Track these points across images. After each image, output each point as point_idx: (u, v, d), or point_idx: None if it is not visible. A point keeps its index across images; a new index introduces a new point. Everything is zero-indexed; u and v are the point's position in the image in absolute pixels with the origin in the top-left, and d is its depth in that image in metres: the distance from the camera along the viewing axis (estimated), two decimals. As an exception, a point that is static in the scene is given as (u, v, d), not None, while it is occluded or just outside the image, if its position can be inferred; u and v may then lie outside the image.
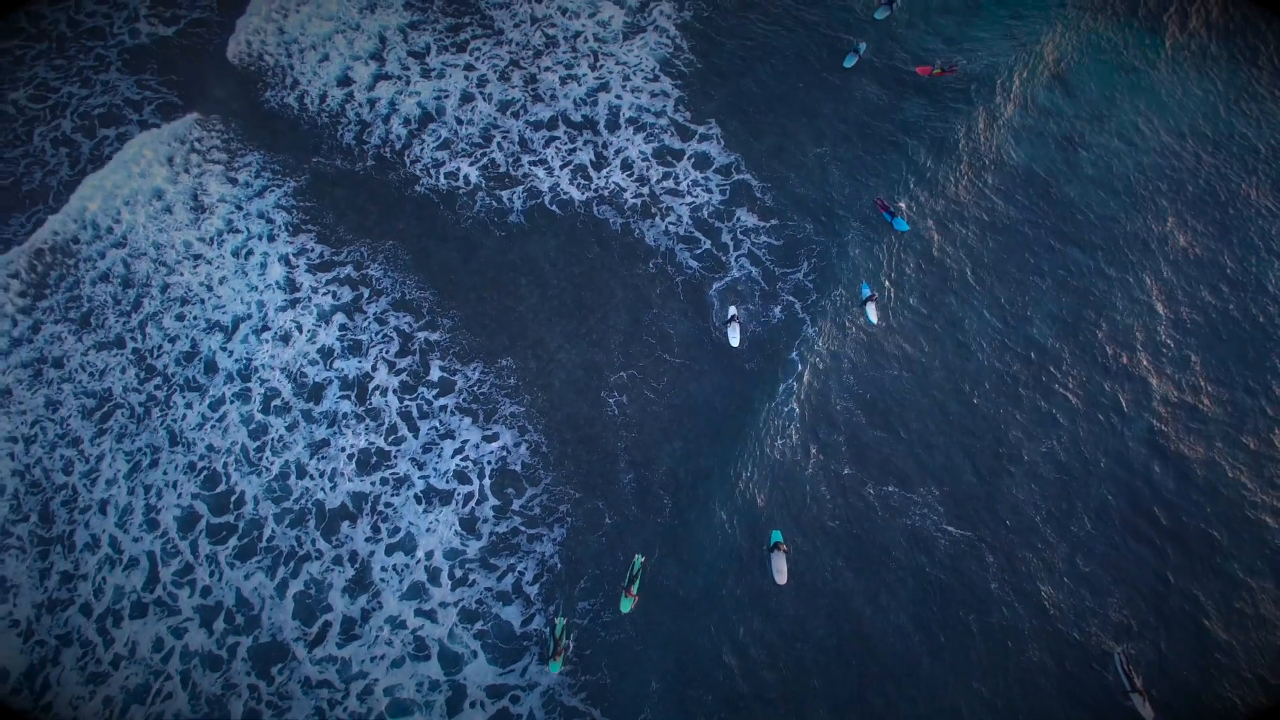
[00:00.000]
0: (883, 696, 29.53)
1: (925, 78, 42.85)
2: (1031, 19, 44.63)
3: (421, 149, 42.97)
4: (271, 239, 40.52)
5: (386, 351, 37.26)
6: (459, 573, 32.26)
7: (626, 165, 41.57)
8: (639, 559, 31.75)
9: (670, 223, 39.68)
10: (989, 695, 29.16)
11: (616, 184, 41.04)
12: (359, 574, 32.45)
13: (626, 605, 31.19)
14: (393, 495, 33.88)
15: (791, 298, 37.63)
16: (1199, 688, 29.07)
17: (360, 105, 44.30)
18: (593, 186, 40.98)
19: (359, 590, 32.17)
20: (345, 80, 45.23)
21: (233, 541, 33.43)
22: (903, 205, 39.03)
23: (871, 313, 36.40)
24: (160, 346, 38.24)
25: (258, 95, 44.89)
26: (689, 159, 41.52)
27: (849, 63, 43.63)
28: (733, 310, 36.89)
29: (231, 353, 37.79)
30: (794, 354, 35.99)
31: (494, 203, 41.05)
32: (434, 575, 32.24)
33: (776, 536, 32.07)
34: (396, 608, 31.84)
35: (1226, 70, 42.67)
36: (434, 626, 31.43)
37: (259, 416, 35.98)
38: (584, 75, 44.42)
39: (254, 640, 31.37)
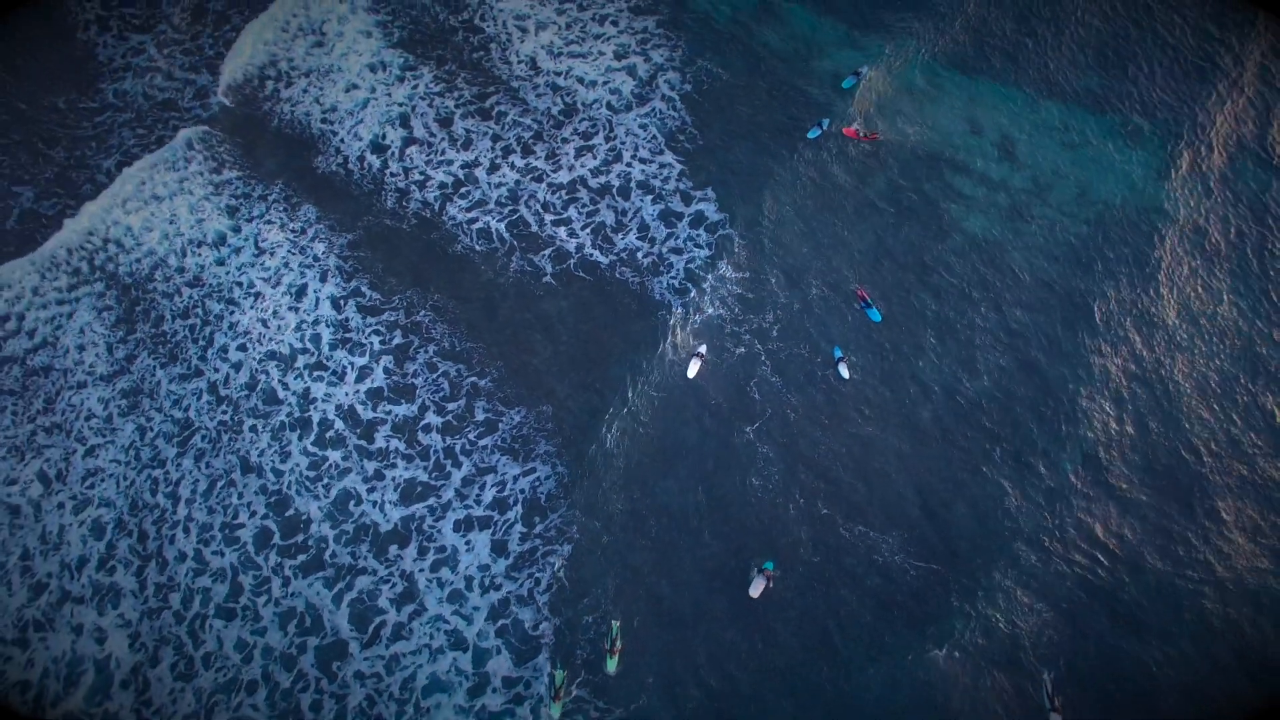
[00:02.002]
0: (841, 696, 33.18)
1: (853, 140, 44.89)
2: (985, 100, 46.73)
3: (456, 212, 45.62)
4: (323, 279, 43.63)
5: (435, 395, 40.35)
6: (488, 581, 35.90)
7: (643, 228, 44.11)
8: (615, 624, 34.51)
9: (670, 278, 42.55)
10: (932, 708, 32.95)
11: (633, 244, 43.66)
12: (407, 586, 36.06)
13: (612, 665, 33.77)
14: (436, 521, 37.34)
15: (760, 345, 40.50)
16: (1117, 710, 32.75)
17: (396, 173, 46.84)
18: (615, 250, 43.50)
19: (406, 599, 35.80)
20: (380, 147, 47.84)
21: (301, 558, 37.00)
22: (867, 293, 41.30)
23: (844, 370, 39.29)
24: (229, 377, 41.58)
25: (309, 160, 47.78)
26: (686, 220, 44.13)
27: (813, 134, 45.39)
28: (703, 348, 39.76)
29: (288, 385, 41.13)
30: (770, 406, 39.08)
31: (526, 265, 43.62)
32: (469, 584, 35.90)
33: (769, 566, 35.50)
34: (438, 609, 35.47)
35: (1156, 147, 45.02)
36: (469, 626, 35.12)
37: (315, 449, 39.32)
38: (599, 145, 46.89)
39: (320, 640, 35.16)
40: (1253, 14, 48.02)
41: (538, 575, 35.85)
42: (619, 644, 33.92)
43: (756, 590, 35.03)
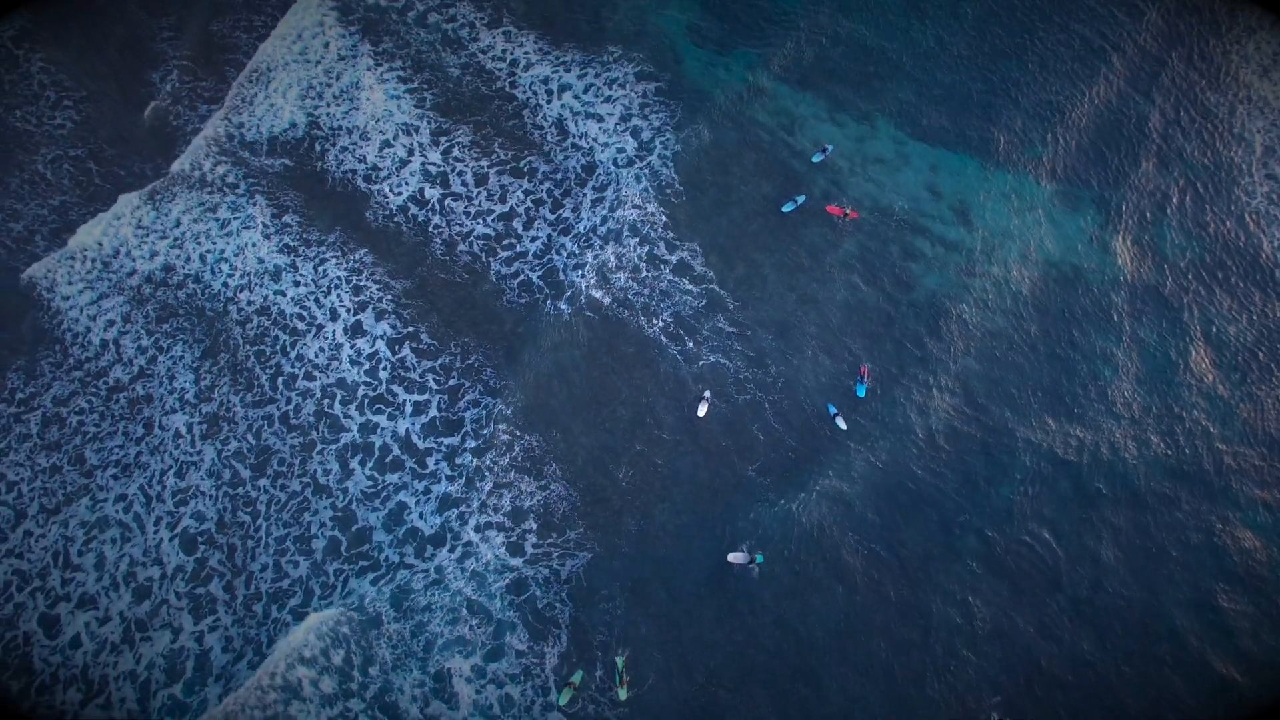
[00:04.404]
0: (809, 688, 36.36)
1: (835, 217, 46.29)
2: (944, 168, 48.37)
3: (500, 266, 47.57)
4: (379, 319, 45.91)
5: (477, 427, 42.73)
6: (507, 575, 38.84)
7: (635, 271, 45.66)
8: (620, 659, 36.63)
9: (664, 321, 44.57)
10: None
11: (629, 289, 45.42)
12: (438, 576, 39.01)
13: (624, 694, 35.79)
14: (462, 524, 39.94)
15: (761, 394, 42.78)
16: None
17: (439, 226, 48.73)
18: (613, 292, 45.17)
19: (438, 585, 38.69)
20: (421, 200, 49.70)
21: (361, 563, 39.95)
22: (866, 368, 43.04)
23: (841, 423, 41.44)
24: (299, 406, 44.09)
25: (361, 213, 49.89)
26: (674, 270, 45.97)
27: (787, 208, 46.61)
28: (708, 392, 42.36)
29: (350, 415, 43.69)
30: (773, 450, 41.54)
31: (554, 310, 45.38)
32: (488, 571, 38.91)
33: (760, 559, 38.47)
34: (464, 587, 38.39)
35: (1092, 213, 46.92)
36: (490, 600, 38.23)
37: (374, 473, 42.11)
38: (609, 197, 48.47)
39: (377, 631, 37.60)
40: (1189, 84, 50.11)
41: (555, 567, 38.85)
42: (627, 675, 36.27)
43: (735, 559, 38.35)
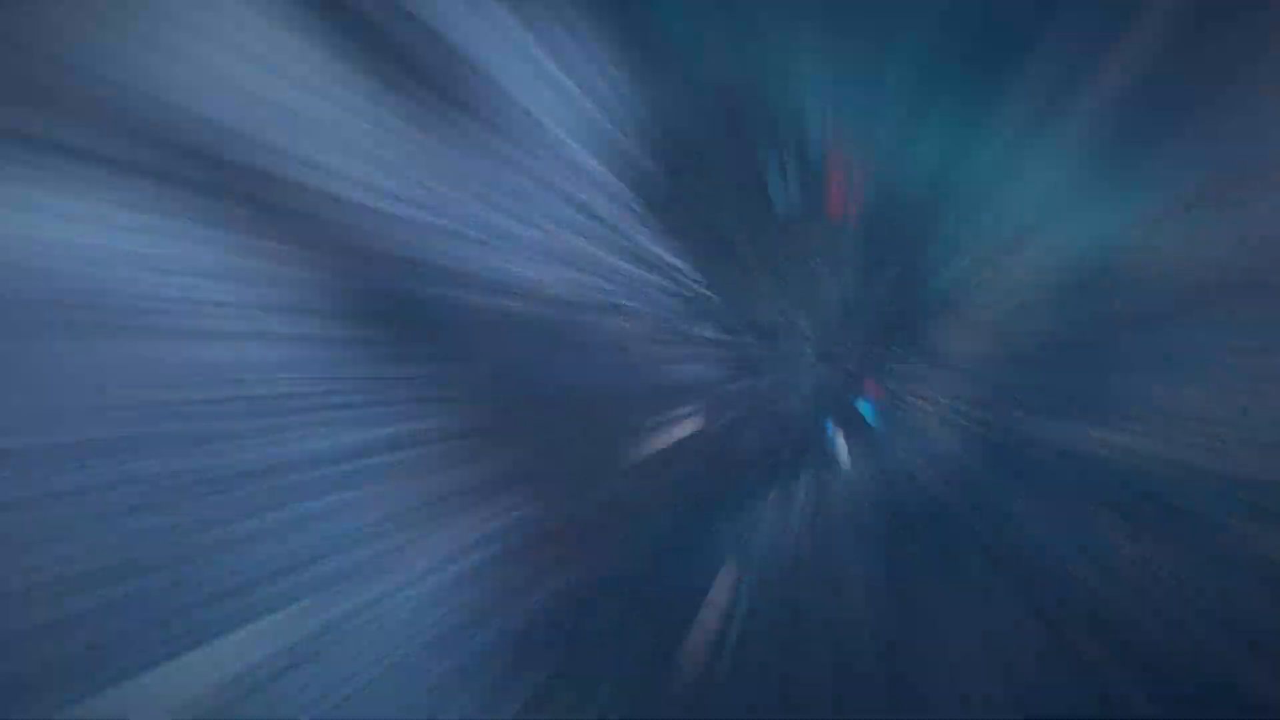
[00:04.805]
0: (806, 697, 35.13)
1: (831, 212, 45.68)
2: (955, 162, 47.15)
3: (470, 264, 46.09)
4: (328, 323, 43.99)
5: (442, 440, 41.18)
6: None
7: (612, 271, 44.45)
8: (611, 681, 36.01)
9: (646, 326, 43.05)
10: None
11: (606, 289, 44.17)
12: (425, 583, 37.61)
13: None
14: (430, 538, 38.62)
15: (754, 404, 41.35)
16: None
17: (401, 219, 46.96)
18: (590, 293, 43.95)
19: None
20: (378, 190, 47.94)
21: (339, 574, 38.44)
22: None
23: (837, 432, 40.24)
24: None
25: (323, 214, 48.06)
26: (653, 269, 44.71)
27: (781, 204, 46.14)
28: (697, 402, 40.59)
29: (305, 430, 41.89)
30: (768, 459, 40.27)
31: (524, 311, 44.18)
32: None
33: (748, 577, 37.14)
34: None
35: (1109, 210, 45.89)
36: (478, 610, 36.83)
37: (339, 493, 40.40)
38: (585, 188, 47.00)
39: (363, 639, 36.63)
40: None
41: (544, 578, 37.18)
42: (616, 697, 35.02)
43: (727, 571, 36.58)
